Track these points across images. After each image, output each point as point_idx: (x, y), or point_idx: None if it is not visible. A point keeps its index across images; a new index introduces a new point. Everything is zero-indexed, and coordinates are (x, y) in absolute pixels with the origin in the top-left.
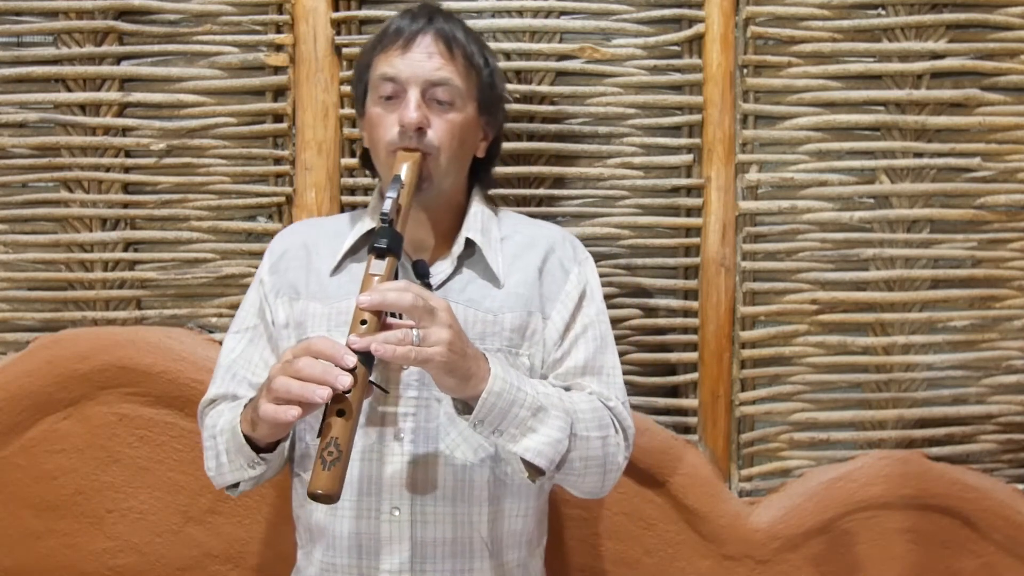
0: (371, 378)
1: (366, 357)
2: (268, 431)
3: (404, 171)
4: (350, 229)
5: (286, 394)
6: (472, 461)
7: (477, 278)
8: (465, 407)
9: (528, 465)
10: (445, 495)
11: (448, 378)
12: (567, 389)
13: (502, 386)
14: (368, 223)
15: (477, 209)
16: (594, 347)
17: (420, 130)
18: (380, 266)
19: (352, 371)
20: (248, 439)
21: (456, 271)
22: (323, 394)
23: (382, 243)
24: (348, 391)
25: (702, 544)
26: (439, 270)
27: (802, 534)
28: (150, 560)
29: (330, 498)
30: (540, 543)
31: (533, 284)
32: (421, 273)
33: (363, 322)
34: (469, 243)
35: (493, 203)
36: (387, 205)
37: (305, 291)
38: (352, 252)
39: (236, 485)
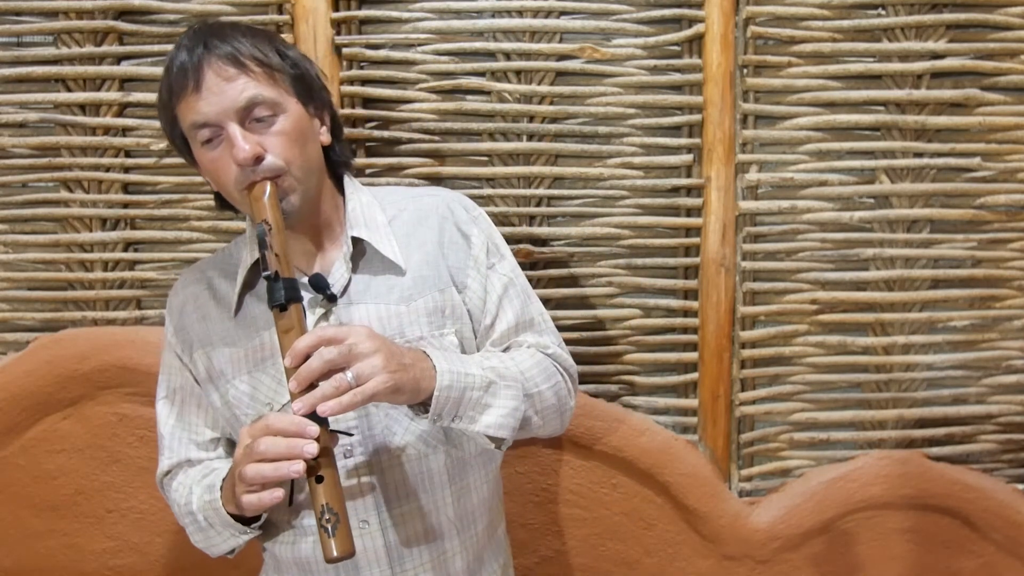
0: (332, 428)
1: (316, 417)
2: (255, 512)
3: (267, 210)
4: (238, 263)
5: (262, 480)
6: (425, 451)
7: (378, 273)
8: (421, 407)
9: (491, 436)
10: (408, 492)
11: (398, 396)
12: (506, 350)
13: (451, 379)
14: (250, 253)
15: (354, 201)
16: (519, 303)
17: (258, 159)
18: (286, 320)
19: (316, 438)
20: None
21: (354, 272)
22: (299, 468)
23: (279, 298)
24: (317, 456)
25: (702, 544)
26: (337, 276)
27: (802, 534)
28: (150, 560)
29: (348, 556)
30: (500, 506)
31: (436, 260)
32: (320, 287)
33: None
34: (357, 240)
35: (361, 185)
36: (267, 258)
37: (215, 339)
38: (247, 287)
39: (232, 550)
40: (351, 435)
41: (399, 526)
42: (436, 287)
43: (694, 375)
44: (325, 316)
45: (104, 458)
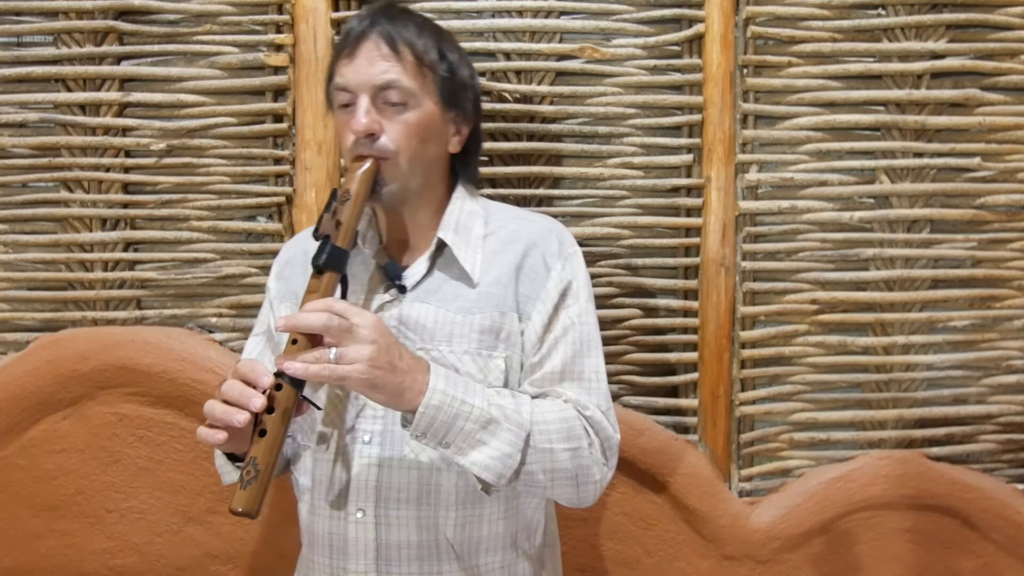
0: (307, 395)
1: (297, 380)
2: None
3: (354, 182)
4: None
5: (212, 418)
6: (439, 465)
7: (451, 278)
8: (407, 419)
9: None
10: (409, 498)
11: (376, 393)
12: (543, 396)
13: (441, 399)
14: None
15: (456, 207)
16: (573, 351)
17: (372, 136)
18: (316, 283)
19: (277, 388)
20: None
21: (429, 272)
22: (241, 419)
23: (320, 260)
24: (269, 411)
25: (702, 544)
26: (414, 271)
27: (802, 534)
28: (150, 560)
29: (249, 515)
30: (539, 543)
31: (508, 283)
32: (392, 275)
33: (294, 341)
34: (441, 243)
35: (480, 198)
36: (324, 220)
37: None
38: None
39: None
40: (319, 408)
41: (392, 527)
42: (497, 308)
43: (694, 375)
44: (391, 304)
45: (104, 458)
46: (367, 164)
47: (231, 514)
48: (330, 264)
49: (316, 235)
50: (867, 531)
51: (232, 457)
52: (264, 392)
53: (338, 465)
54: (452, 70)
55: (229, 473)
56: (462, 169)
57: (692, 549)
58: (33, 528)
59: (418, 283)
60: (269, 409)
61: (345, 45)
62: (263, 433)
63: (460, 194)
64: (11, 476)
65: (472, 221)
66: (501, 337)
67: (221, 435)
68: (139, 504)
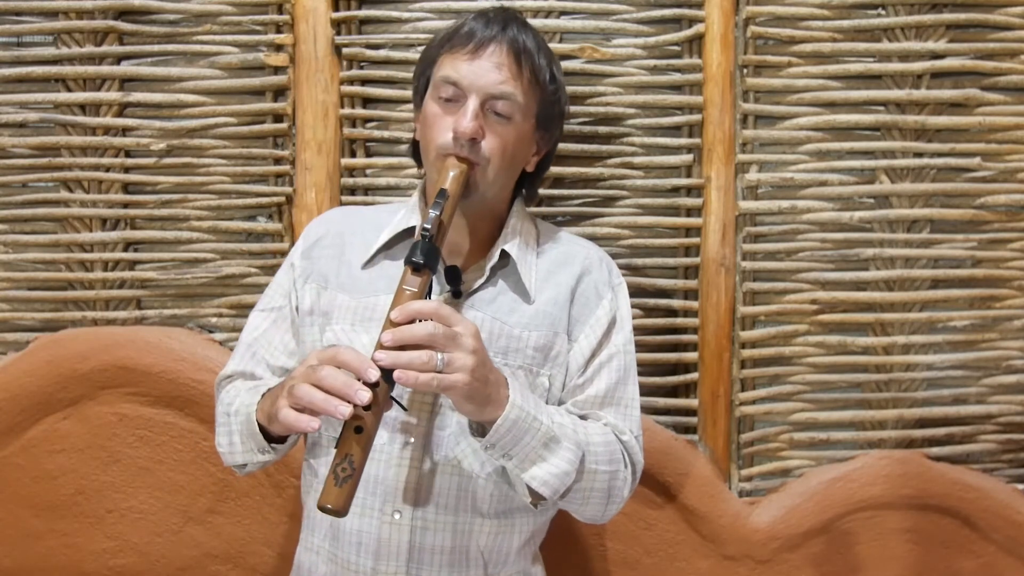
0: (392, 394)
1: (388, 374)
2: (283, 430)
3: (449, 182)
4: (387, 222)
5: (308, 403)
6: (479, 473)
7: (508, 291)
8: (479, 428)
9: (532, 491)
10: (448, 504)
11: (467, 404)
12: (583, 417)
13: (518, 414)
14: (406, 218)
15: (517, 221)
16: (616, 378)
17: (473, 140)
18: (415, 281)
19: (374, 386)
20: (262, 428)
21: (488, 281)
22: (345, 411)
23: (419, 258)
24: (368, 407)
25: (702, 544)
26: (471, 278)
27: (802, 534)
28: (150, 560)
29: (339, 513)
30: (539, 556)
31: (564, 305)
32: (453, 279)
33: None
34: (504, 255)
35: (532, 215)
36: (430, 220)
37: (335, 281)
38: (386, 247)
39: (244, 464)
40: (405, 408)
41: (428, 531)
42: (552, 328)
43: (694, 375)
44: None
45: (104, 458)
46: (461, 167)
47: (320, 510)
48: (428, 263)
49: (423, 229)
50: (867, 531)
51: (272, 438)
52: (373, 385)
53: (375, 464)
54: (557, 94)
55: (252, 452)
56: (528, 186)
57: (692, 549)
58: (33, 528)
59: (475, 291)
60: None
61: (467, 40)
62: (359, 430)
63: (518, 209)
64: (11, 476)
65: (530, 237)
66: (550, 356)
67: (315, 422)
68: (139, 504)
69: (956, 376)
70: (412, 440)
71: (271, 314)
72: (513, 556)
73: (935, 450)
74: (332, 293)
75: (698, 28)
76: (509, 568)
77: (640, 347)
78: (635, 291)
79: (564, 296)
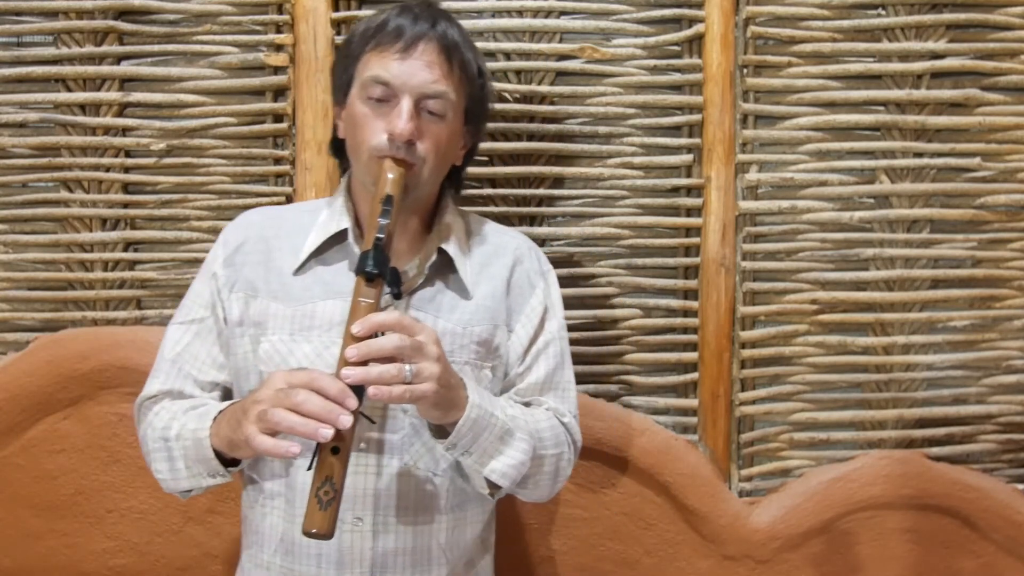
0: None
1: (357, 389)
2: (253, 455)
3: (390, 187)
4: (312, 223)
5: (288, 428)
6: (435, 471)
7: (446, 288)
8: (439, 430)
9: (490, 482)
10: (408, 505)
11: (434, 410)
12: (526, 404)
13: (479, 413)
14: (335, 220)
15: (451, 218)
16: (554, 364)
17: (409, 142)
18: (370, 292)
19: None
20: (216, 452)
21: (427, 281)
22: (327, 434)
23: (373, 268)
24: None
25: (702, 544)
26: (409, 277)
27: (802, 534)
28: (150, 560)
29: (326, 537)
30: (490, 545)
31: (501, 297)
32: (393, 281)
33: (345, 343)
34: (441, 252)
35: (458, 208)
36: (381, 228)
37: (265, 289)
38: (317, 252)
39: (190, 490)
40: (374, 422)
41: (390, 534)
42: (492, 322)
43: (694, 375)
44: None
45: (104, 458)
46: (399, 170)
47: (306, 536)
48: (382, 272)
49: (377, 239)
50: (867, 531)
51: (225, 462)
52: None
53: None
54: (484, 88)
55: (200, 477)
56: (455, 179)
57: (692, 549)
58: (33, 528)
59: (414, 290)
60: None
61: (396, 38)
62: (335, 450)
63: (448, 204)
64: (11, 476)
65: (461, 233)
66: (492, 348)
67: (296, 448)
68: (139, 504)
69: (956, 376)
70: (364, 446)
71: (192, 326)
72: (469, 547)
73: (935, 450)
74: (264, 302)
75: (698, 28)
76: (466, 557)
77: (640, 347)
78: (635, 291)
79: (500, 288)
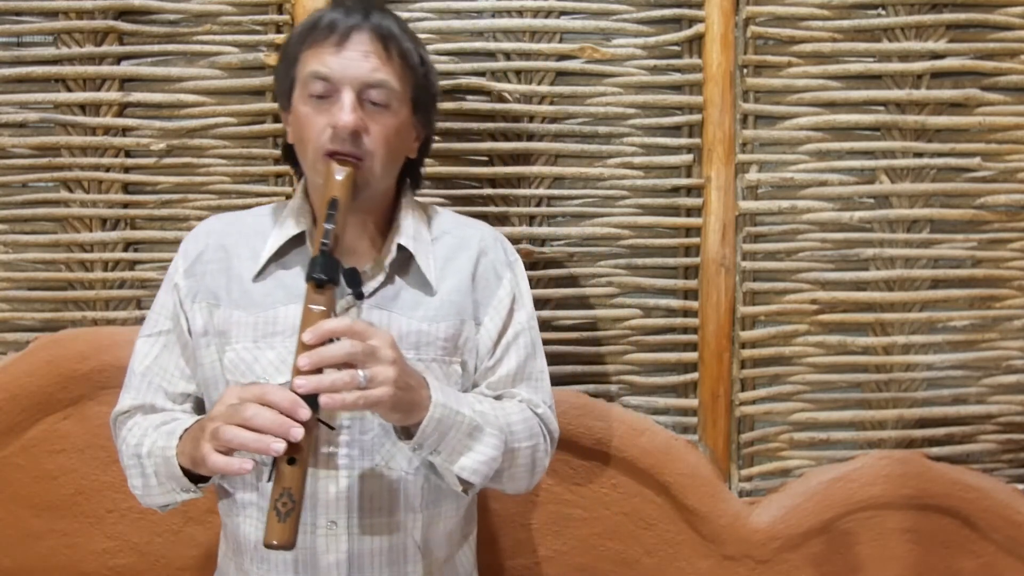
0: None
1: (311, 398)
2: (211, 473)
3: (337, 188)
4: (271, 227)
5: (239, 444)
6: (407, 471)
7: (409, 285)
8: (404, 431)
9: (462, 479)
10: (381, 506)
11: (393, 413)
12: (498, 397)
13: (442, 413)
14: (293, 224)
15: (408, 212)
16: (525, 354)
17: (355, 134)
18: (320, 298)
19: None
20: (186, 470)
21: (388, 279)
22: (279, 448)
23: (321, 275)
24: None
25: (702, 544)
26: (370, 277)
27: (802, 534)
28: (150, 560)
29: (287, 547)
30: (469, 535)
31: (466, 291)
32: (353, 282)
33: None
34: (400, 248)
35: (418, 201)
36: (326, 233)
37: (227, 298)
38: (276, 256)
39: (166, 504)
40: (332, 428)
41: (366, 536)
42: (459, 316)
43: (694, 375)
44: (347, 312)
45: (104, 458)
46: (346, 169)
47: (267, 548)
48: (332, 277)
49: (323, 245)
50: (867, 531)
51: (192, 478)
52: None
53: None
54: (428, 76)
55: (174, 492)
56: (412, 173)
57: (692, 549)
58: (33, 528)
59: (376, 290)
60: None
61: (329, 32)
62: (292, 461)
63: (408, 198)
64: (11, 476)
65: (421, 227)
66: (460, 343)
67: (248, 464)
68: (139, 504)
69: (956, 376)
70: (333, 449)
71: (160, 339)
72: (446, 542)
73: (935, 450)
74: (226, 311)
75: (698, 28)
76: (440, 554)
77: (640, 347)
78: (635, 291)
79: (465, 282)
